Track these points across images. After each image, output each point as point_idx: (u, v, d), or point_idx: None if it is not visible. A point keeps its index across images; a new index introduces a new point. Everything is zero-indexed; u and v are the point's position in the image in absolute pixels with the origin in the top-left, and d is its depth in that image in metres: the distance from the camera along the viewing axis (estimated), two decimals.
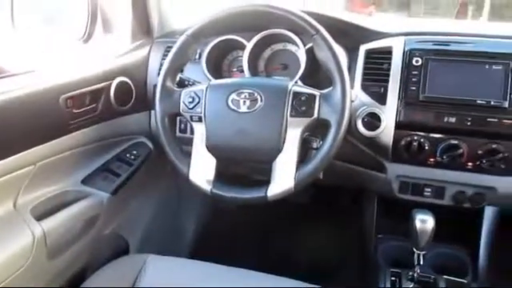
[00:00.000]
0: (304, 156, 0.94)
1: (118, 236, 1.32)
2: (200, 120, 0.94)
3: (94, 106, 1.14)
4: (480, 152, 1.02)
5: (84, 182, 1.17)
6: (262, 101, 0.90)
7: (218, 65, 1.27)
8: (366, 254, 1.27)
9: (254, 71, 1.17)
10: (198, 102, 0.94)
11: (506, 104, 0.98)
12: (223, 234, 1.71)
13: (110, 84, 1.17)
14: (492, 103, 0.99)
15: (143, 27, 1.36)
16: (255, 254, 1.46)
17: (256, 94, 0.91)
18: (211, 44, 1.20)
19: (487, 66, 1.01)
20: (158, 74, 1.01)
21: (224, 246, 1.58)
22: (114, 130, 1.24)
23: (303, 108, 0.88)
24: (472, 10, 3.45)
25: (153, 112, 1.28)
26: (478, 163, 1.03)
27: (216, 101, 0.93)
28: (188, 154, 0.96)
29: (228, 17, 0.95)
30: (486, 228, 1.15)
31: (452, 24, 2.09)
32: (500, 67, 1.00)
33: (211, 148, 0.94)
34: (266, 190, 0.89)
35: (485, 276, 1.13)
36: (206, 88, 0.95)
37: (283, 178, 0.88)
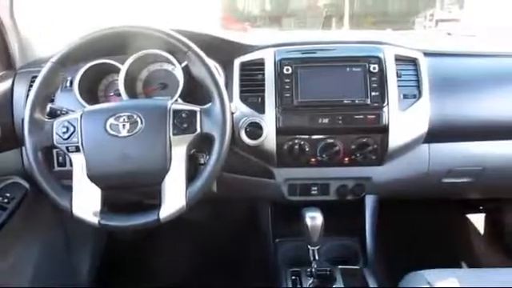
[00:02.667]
0: (194, 173, 0.94)
1: None
2: (78, 150, 0.89)
3: None
4: (353, 147, 1.12)
5: None
6: (142, 123, 0.88)
7: (93, 90, 1.21)
8: (268, 259, 1.30)
9: (131, 94, 1.14)
10: (74, 132, 0.89)
11: (368, 101, 1.09)
12: (122, 264, 1.62)
13: None
14: (356, 102, 1.09)
15: (3, 58, 1.25)
16: (157, 279, 1.41)
17: (135, 117, 0.89)
18: (82, 69, 1.13)
19: (349, 69, 1.11)
20: (25, 106, 0.93)
21: (125, 276, 1.50)
22: None
23: (185, 125, 0.88)
24: (335, 21, 3.81)
25: (24, 148, 1.17)
26: (353, 157, 1.13)
27: (93, 128, 0.89)
28: (69, 188, 0.90)
29: (94, 40, 0.92)
30: (369, 215, 1.26)
31: (318, 34, 2.26)
32: (359, 69, 1.10)
33: (93, 178, 0.89)
34: (158, 213, 0.87)
35: (373, 259, 1.23)
36: (81, 115, 0.90)
37: (174, 198, 0.87)
